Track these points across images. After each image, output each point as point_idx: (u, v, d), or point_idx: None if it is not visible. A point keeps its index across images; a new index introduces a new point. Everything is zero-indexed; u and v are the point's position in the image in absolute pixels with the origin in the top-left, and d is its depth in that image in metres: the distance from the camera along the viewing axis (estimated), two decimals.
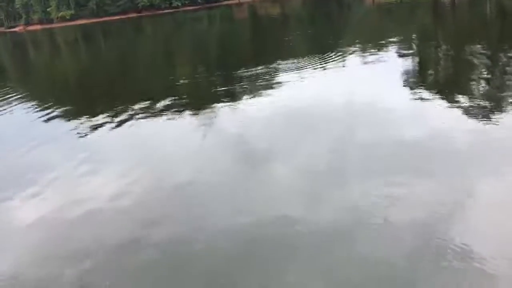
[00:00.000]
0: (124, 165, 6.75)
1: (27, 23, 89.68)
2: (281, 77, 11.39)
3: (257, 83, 10.90)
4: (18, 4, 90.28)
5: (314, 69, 11.86)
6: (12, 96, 14.05)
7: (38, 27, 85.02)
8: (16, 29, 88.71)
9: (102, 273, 4.19)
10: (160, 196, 5.60)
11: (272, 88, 10.35)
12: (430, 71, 11.00)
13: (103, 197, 5.70)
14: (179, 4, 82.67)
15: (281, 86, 10.49)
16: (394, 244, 4.00)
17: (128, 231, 4.85)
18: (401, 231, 4.17)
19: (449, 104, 7.62)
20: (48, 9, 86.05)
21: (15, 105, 12.67)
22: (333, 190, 5.12)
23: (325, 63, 12.47)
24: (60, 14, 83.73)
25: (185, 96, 11.07)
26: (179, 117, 9.05)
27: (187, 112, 9.35)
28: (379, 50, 13.62)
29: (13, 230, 5.30)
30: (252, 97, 9.77)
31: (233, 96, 10.05)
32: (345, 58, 12.94)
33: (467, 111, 7.12)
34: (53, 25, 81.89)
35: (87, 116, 9.92)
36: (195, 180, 5.89)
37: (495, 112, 6.93)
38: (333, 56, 13.40)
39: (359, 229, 4.27)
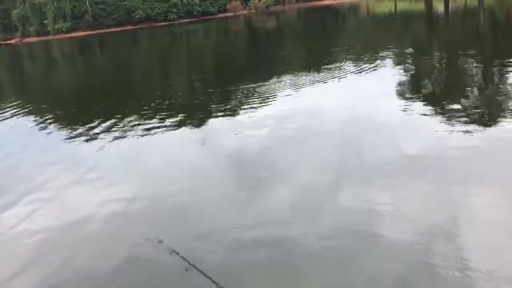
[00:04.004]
0: (118, 179, 6.70)
1: (24, 35, 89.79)
2: (276, 89, 11.34)
3: (252, 97, 10.81)
4: (14, 17, 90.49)
5: (310, 81, 11.87)
6: (7, 108, 13.98)
7: (35, 39, 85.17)
8: (13, 41, 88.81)
9: None
10: (153, 213, 5.51)
11: (267, 101, 10.29)
12: (424, 82, 11.02)
13: (94, 213, 5.58)
14: (175, 17, 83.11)
15: (276, 99, 10.43)
16: (394, 258, 3.97)
17: (122, 247, 4.78)
18: (399, 244, 4.13)
19: (444, 115, 7.62)
20: (44, 22, 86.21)
21: (10, 116, 12.60)
22: (331, 206, 5.02)
23: (320, 76, 12.51)
24: (57, 26, 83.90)
25: (180, 109, 11.02)
26: (174, 130, 8.93)
27: (182, 126, 9.23)
28: (374, 61, 13.68)
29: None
30: (247, 110, 9.65)
31: (228, 110, 10.00)
32: (339, 70, 12.97)
33: (462, 122, 7.13)
34: (50, 37, 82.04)
35: (82, 129, 9.87)
36: (189, 196, 5.81)
37: (490, 123, 6.95)
38: (328, 68, 13.45)
39: (362, 251, 4.13)
